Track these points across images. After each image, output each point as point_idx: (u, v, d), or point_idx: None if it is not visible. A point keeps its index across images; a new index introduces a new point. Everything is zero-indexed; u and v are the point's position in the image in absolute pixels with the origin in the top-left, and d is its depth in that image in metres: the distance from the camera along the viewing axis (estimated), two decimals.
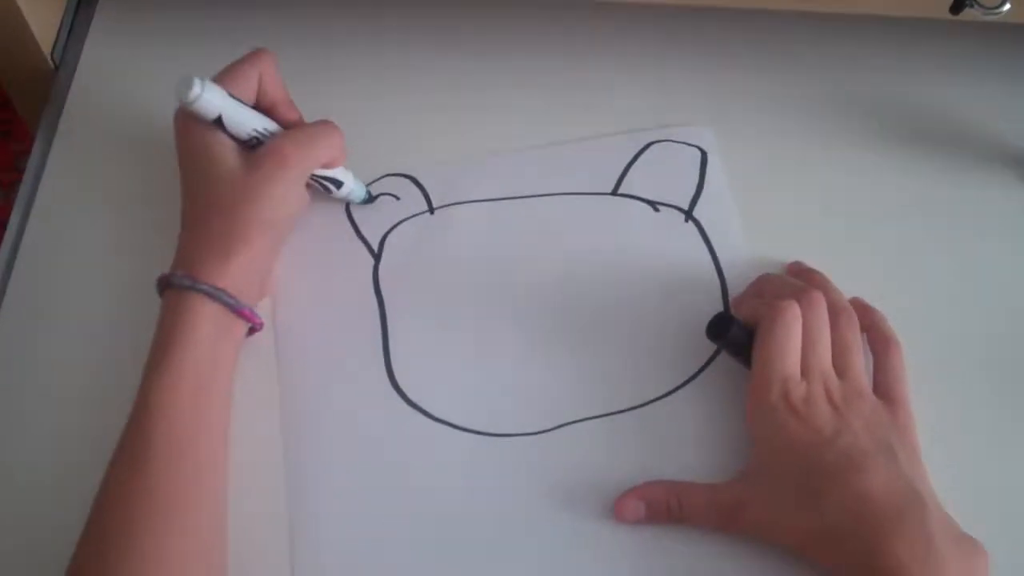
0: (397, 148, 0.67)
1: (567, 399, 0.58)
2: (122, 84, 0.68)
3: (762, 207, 0.65)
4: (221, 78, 0.56)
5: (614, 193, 0.66)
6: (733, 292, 0.62)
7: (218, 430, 0.53)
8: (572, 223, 0.65)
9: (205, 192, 0.55)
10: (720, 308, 0.61)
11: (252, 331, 0.56)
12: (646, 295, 0.61)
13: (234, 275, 0.53)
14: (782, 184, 0.66)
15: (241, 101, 0.56)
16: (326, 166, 0.59)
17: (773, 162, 0.67)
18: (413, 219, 0.65)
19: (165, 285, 0.54)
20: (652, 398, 0.58)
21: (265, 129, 0.57)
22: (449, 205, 0.66)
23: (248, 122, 0.56)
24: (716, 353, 0.58)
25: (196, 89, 0.53)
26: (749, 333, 0.55)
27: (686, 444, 0.57)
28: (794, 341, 0.53)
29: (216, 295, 0.52)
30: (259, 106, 0.58)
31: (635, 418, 0.58)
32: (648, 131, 0.68)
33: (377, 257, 0.64)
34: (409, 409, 0.58)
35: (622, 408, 0.58)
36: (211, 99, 0.54)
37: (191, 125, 0.55)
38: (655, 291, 0.62)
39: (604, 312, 0.61)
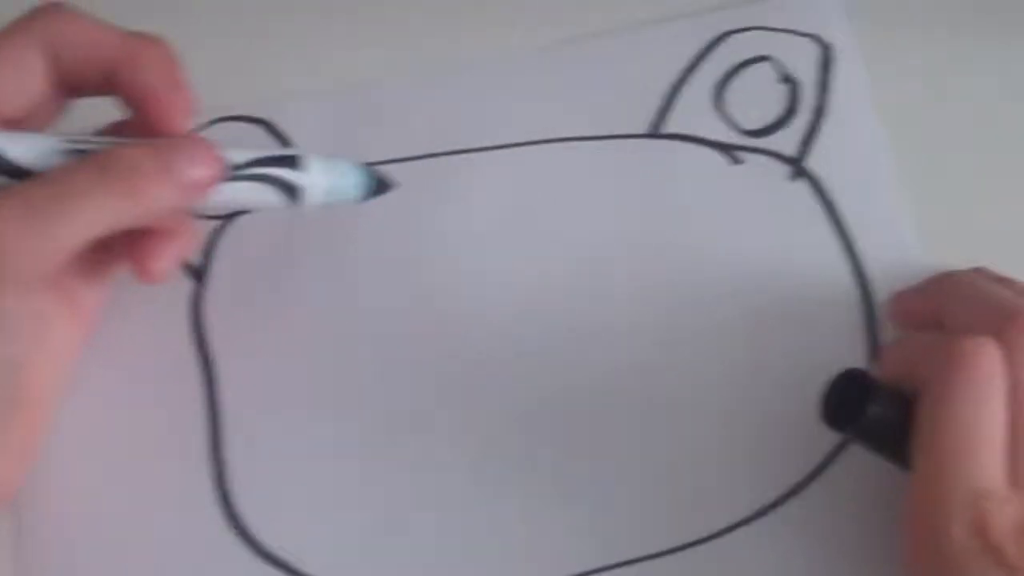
0: (234, 66, 0.45)
1: (564, 540, 0.38)
2: None
3: (943, 145, 0.42)
4: None
5: (653, 134, 0.43)
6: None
7: None
8: (574, 197, 0.42)
9: None
10: (858, 352, 0.40)
11: None
12: (714, 328, 0.40)
13: None
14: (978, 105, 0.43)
15: None
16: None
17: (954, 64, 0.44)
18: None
19: None
20: (723, 528, 0.38)
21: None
22: None
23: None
24: (843, 444, 0.39)
25: None
26: (902, 404, 0.37)
27: None
28: (989, 421, 0.36)
29: None
30: (66, 89, 0.37)
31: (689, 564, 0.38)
32: (720, 11, 0.44)
33: (200, 277, 0.42)
34: (259, 562, 0.38)
35: (660, 550, 0.38)
36: None
37: None
38: (732, 318, 0.40)
39: (631, 370, 0.40)
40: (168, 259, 0.38)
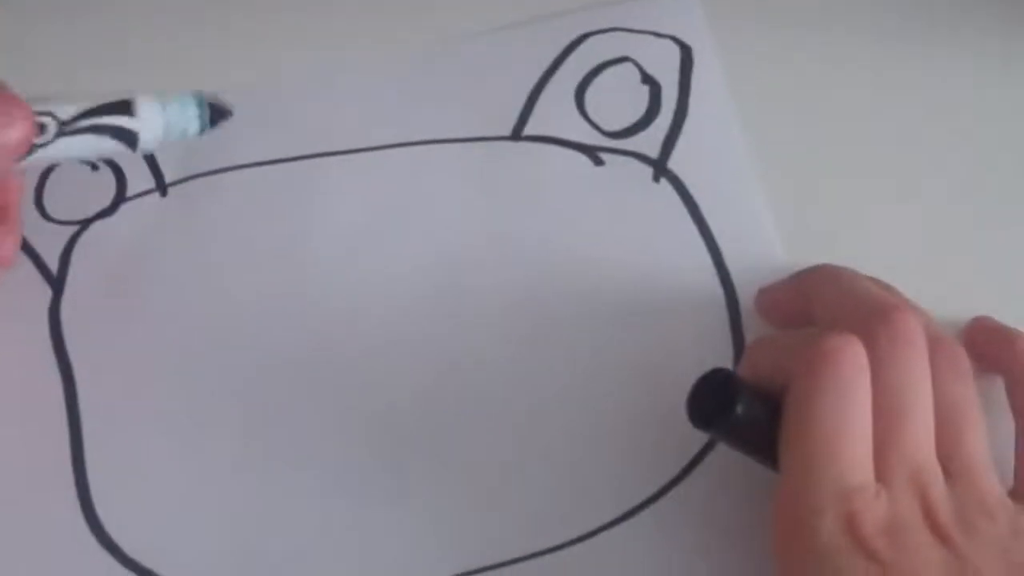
0: (89, 60, 0.44)
1: (425, 544, 0.37)
2: None
3: (804, 142, 0.41)
4: None
5: (516, 136, 0.42)
6: (752, 318, 0.39)
7: None
8: (440, 199, 0.42)
9: None
10: (724, 351, 0.39)
11: None
12: (581, 328, 0.39)
13: None
14: (840, 102, 0.42)
15: None
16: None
17: (813, 64, 0.43)
18: (127, 207, 0.42)
19: None
20: (593, 529, 0.37)
21: None
22: (199, 176, 0.42)
23: None
24: (710, 443, 0.38)
25: None
26: (768, 403, 0.36)
27: None
28: (856, 418, 0.35)
29: None
30: None
31: (560, 566, 0.36)
32: (580, 13, 0.44)
33: (57, 287, 0.41)
34: (118, 566, 0.37)
35: (524, 554, 0.36)
36: None
37: None
38: (599, 319, 0.39)
39: (499, 371, 0.39)
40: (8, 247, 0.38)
